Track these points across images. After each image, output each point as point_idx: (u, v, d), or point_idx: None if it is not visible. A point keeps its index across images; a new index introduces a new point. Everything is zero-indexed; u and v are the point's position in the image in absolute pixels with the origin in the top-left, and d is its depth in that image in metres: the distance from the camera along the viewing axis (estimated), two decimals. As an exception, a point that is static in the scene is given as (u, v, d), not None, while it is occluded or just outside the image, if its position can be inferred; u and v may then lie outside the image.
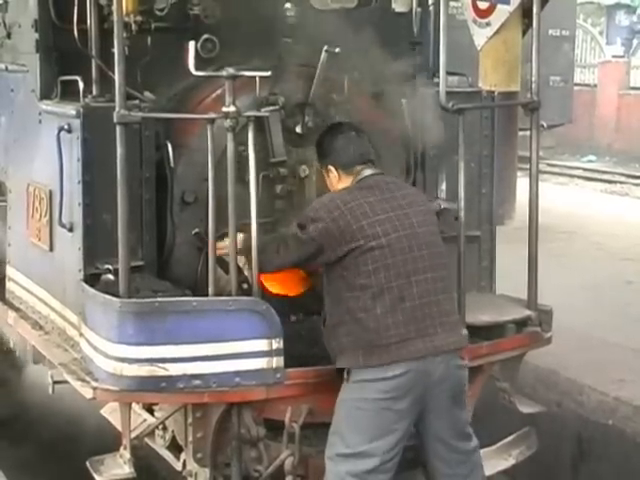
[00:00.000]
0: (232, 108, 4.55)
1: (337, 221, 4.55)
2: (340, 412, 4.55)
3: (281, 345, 4.53)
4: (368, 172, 4.76)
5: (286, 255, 4.71)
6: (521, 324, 5.35)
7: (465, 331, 4.77)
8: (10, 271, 5.82)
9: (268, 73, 4.85)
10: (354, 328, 4.49)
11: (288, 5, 5.68)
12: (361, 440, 4.47)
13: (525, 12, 10.35)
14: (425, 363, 4.47)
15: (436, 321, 4.53)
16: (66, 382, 4.81)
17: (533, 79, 5.36)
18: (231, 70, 4.63)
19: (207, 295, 4.60)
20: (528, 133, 5.54)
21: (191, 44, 4.64)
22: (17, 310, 5.70)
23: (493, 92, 5.94)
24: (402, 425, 4.50)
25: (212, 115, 4.58)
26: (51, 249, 5.18)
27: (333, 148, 4.84)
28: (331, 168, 4.83)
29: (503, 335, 5.27)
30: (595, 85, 19.60)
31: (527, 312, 5.37)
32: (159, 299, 4.51)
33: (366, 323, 4.46)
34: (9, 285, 5.83)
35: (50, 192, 5.11)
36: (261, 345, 4.50)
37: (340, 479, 4.50)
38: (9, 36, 5.69)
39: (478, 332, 5.15)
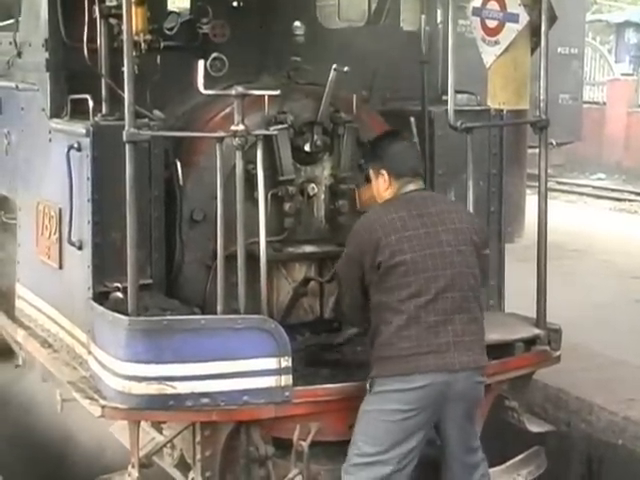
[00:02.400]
0: (241, 127, 4.56)
1: (371, 234, 4.56)
2: (360, 423, 4.56)
3: (290, 363, 4.52)
4: (412, 187, 4.72)
5: (344, 288, 4.79)
6: (530, 343, 5.33)
7: (484, 350, 4.72)
8: (19, 289, 5.84)
9: (277, 92, 4.86)
10: (379, 340, 4.55)
11: (297, 24, 5.71)
12: (377, 449, 4.49)
13: (534, 30, 10.38)
14: (443, 378, 4.48)
15: (450, 339, 4.52)
16: (75, 400, 4.81)
17: (542, 97, 5.36)
18: (240, 89, 4.65)
19: (216, 313, 4.61)
20: (537, 151, 5.54)
21: (200, 63, 4.67)
22: (26, 328, 5.72)
23: (502, 110, 5.94)
24: (418, 436, 4.52)
25: (221, 133, 4.59)
26: (60, 267, 5.20)
27: (391, 153, 4.78)
28: (383, 172, 4.76)
29: (512, 354, 5.25)
30: (604, 103, 19.60)
31: (536, 331, 5.35)
32: (168, 317, 4.52)
33: (385, 335, 4.52)
34: (18, 303, 5.85)
35: (60, 210, 5.12)
36: (270, 363, 4.49)
37: None
38: (20, 55, 5.71)
39: (487, 351, 5.12)
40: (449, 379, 4.49)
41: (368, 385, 4.56)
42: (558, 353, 5.41)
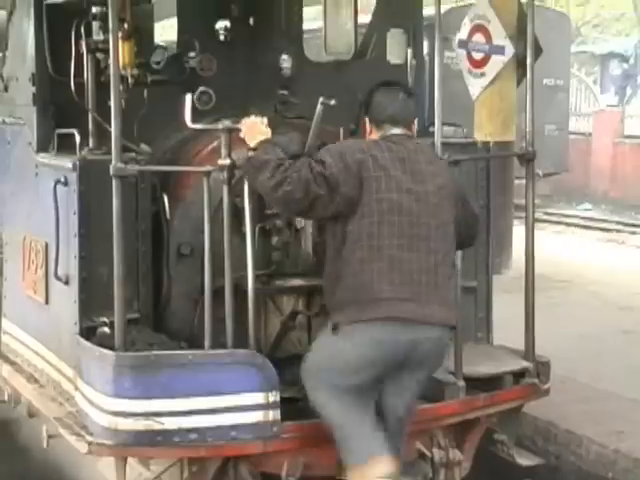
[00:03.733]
0: (228, 161, 4.56)
1: (357, 162, 4.47)
2: (319, 356, 4.53)
3: (278, 398, 4.50)
4: (395, 131, 4.72)
5: (294, 174, 4.43)
6: (519, 375, 5.32)
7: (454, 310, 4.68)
8: (5, 324, 5.81)
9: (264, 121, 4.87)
10: (350, 282, 4.44)
11: (284, 57, 5.74)
12: (339, 383, 4.45)
13: (519, 62, 10.53)
14: (415, 329, 4.41)
15: (431, 291, 4.46)
16: (61, 436, 4.77)
17: (528, 130, 5.37)
18: (227, 123, 4.65)
19: (203, 347, 4.58)
20: (523, 181, 5.55)
21: (187, 97, 4.68)
22: (12, 363, 5.68)
23: (488, 143, 5.96)
24: (375, 376, 4.47)
25: (208, 167, 4.60)
26: (47, 302, 5.17)
27: (371, 102, 4.82)
28: (365, 120, 4.82)
29: (501, 387, 5.24)
30: (590, 134, 19.70)
31: (524, 363, 5.34)
32: (155, 352, 4.50)
33: (361, 277, 4.41)
34: (4, 338, 5.82)
35: (46, 245, 5.11)
36: (258, 398, 4.47)
37: (327, 395, 4.47)
38: (6, 89, 5.72)
39: (475, 384, 5.12)
40: (417, 332, 4.41)
41: (330, 327, 4.48)
42: (547, 386, 5.40)
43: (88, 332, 4.74)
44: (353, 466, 4.47)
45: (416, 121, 4.85)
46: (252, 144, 4.59)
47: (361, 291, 4.42)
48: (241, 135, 4.64)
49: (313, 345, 4.70)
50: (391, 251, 4.43)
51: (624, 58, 28.07)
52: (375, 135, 4.77)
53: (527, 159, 5.41)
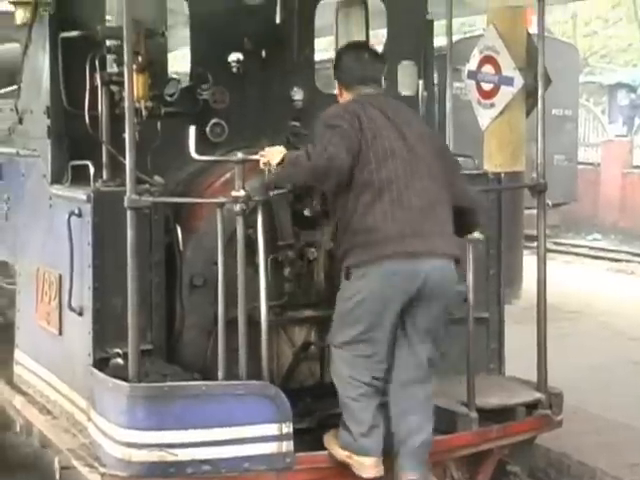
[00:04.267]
0: (242, 192, 4.59)
1: (352, 122, 4.69)
2: (340, 307, 4.74)
3: (291, 429, 4.50)
4: (369, 91, 4.93)
5: (326, 144, 4.64)
6: (531, 407, 5.31)
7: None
8: (18, 355, 5.82)
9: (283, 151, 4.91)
10: (356, 226, 4.65)
11: (296, 89, 5.79)
12: (359, 331, 4.66)
13: (528, 93, 10.56)
14: (422, 262, 4.61)
15: (432, 226, 4.68)
16: (74, 468, 4.77)
17: (539, 161, 5.39)
18: (240, 155, 4.68)
19: (216, 379, 4.59)
20: (533, 212, 5.57)
21: (192, 129, 4.71)
22: (24, 394, 5.68)
23: (499, 174, 5.98)
24: (393, 316, 4.66)
25: (222, 199, 4.62)
26: (60, 333, 5.19)
27: (339, 65, 5.05)
28: (336, 83, 5.05)
29: (513, 418, 5.23)
30: (599, 164, 19.70)
31: (537, 395, 5.34)
32: (168, 383, 4.51)
33: (365, 220, 4.62)
34: (17, 369, 5.82)
35: (60, 276, 5.13)
36: (271, 430, 4.47)
37: (348, 362, 4.69)
38: (21, 122, 5.75)
39: (488, 415, 5.11)
40: (430, 262, 4.62)
41: (345, 273, 4.68)
42: (560, 417, 5.38)
43: (101, 363, 4.75)
44: (345, 449, 4.68)
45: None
46: (277, 159, 4.76)
47: (367, 233, 4.63)
48: (263, 161, 4.78)
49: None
50: (391, 193, 4.63)
51: (632, 88, 28.12)
52: (347, 97, 4.97)
53: (539, 190, 5.43)
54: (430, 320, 4.73)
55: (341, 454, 4.70)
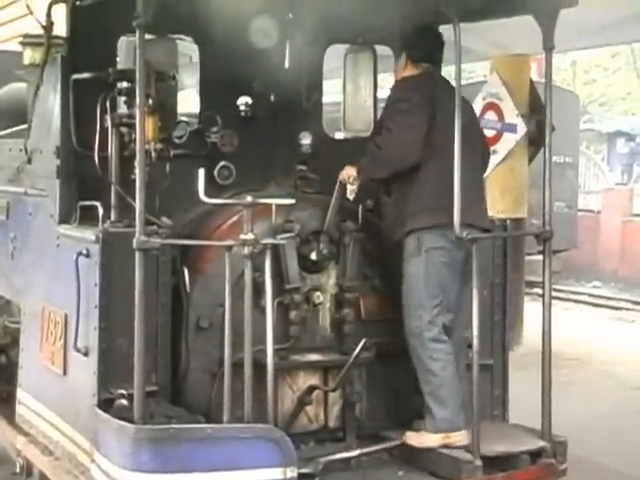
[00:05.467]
0: (250, 236, 4.60)
1: (422, 93, 5.26)
2: (415, 284, 5.23)
3: (295, 474, 4.48)
4: (430, 70, 5.44)
5: (404, 128, 5.22)
6: (535, 455, 5.29)
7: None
8: (20, 394, 5.79)
9: (292, 201, 4.94)
10: (420, 192, 5.23)
11: (304, 133, 5.81)
12: (435, 304, 5.23)
13: (531, 140, 10.60)
14: (473, 233, 5.12)
15: (478, 200, 5.40)
16: (75, 509, 4.75)
17: (546, 209, 5.41)
18: (250, 198, 4.70)
19: (220, 421, 4.58)
20: (533, 257, 5.59)
21: (201, 172, 4.73)
22: (26, 434, 5.66)
23: (505, 220, 5.99)
24: (457, 282, 5.33)
25: (230, 242, 4.63)
26: (65, 373, 5.17)
27: (411, 40, 5.50)
28: (403, 55, 5.52)
29: (517, 466, 5.20)
30: (598, 211, 19.76)
31: (541, 443, 5.31)
32: (174, 426, 4.49)
33: (425, 188, 5.22)
34: (19, 408, 5.79)
35: (66, 316, 5.12)
36: (276, 474, 4.45)
37: (429, 352, 5.19)
38: (30, 161, 5.77)
39: (492, 463, 5.09)
40: (474, 234, 5.12)
41: (415, 244, 5.22)
42: (564, 466, 5.35)
43: (106, 404, 4.73)
44: (441, 431, 5.17)
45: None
46: (354, 171, 5.34)
47: (434, 198, 5.19)
48: (343, 179, 5.34)
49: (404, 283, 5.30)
50: (447, 170, 5.03)
51: (631, 137, 28.30)
52: (410, 72, 5.45)
53: (544, 238, 5.44)
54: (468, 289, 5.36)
55: (435, 439, 5.15)
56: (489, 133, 11.04)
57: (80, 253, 4.92)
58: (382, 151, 5.28)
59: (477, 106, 10.97)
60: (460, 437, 5.16)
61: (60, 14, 5.52)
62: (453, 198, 4.99)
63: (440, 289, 5.26)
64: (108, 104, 5.10)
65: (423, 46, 5.48)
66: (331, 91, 7.52)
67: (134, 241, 4.48)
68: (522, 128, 10.56)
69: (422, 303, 5.23)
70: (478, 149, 5.51)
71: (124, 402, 4.68)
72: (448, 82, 5.48)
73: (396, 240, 5.34)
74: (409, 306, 5.27)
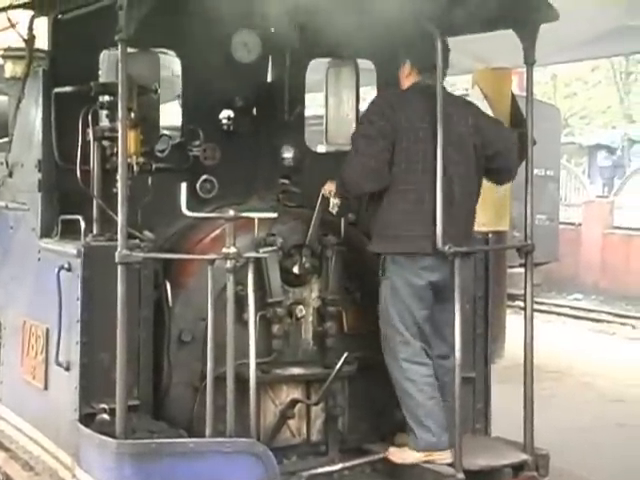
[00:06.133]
0: (233, 249, 4.60)
1: (388, 118, 5.15)
2: (385, 305, 5.19)
3: (278, 488, 4.48)
4: (429, 81, 5.25)
5: (363, 155, 5.14)
6: (518, 468, 5.29)
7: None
8: (1, 409, 5.76)
9: (274, 214, 4.95)
10: (382, 218, 5.18)
11: (286, 147, 5.81)
12: (406, 326, 5.17)
13: (513, 155, 10.59)
14: (441, 260, 5.11)
15: (457, 222, 5.21)
16: (57, 525, 4.72)
17: (527, 223, 5.42)
18: (232, 212, 4.70)
19: (202, 435, 4.56)
20: (514, 270, 5.60)
21: (183, 186, 4.72)
22: (7, 450, 5.62)
23: (487, 234, 6.00)
24: (425, 308, 5.24)
25: (212, 256, 4.63)
26: (46, 388, 5.15)
27: (416, 48, 5.34)
28: (407, 62, 5.38)
29: (500, 479, 5.21)
30: (579, 224, 19.82)
31: (523, 456, 5.32)
32: (156, 440, 4.48)
33: (388, 214, 5.16)
34: (-1, 423, 5.77)
35: (47, 330, 5.11)
36: (258, 488, 4.44)
37: (403, 372, 5.15)
38: (11, 175, 5.76)
39: (475, 476, 5.09)
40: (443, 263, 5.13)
41: (381, 270, 5.19)
42: (546, 479, 5.36)
43: (87, 419, 4.71)
44: (425, 450, 5.13)
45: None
46: (334, 186, 5.30)
47: (394, 226, 5.15)
48: (326, 193, 5.31)
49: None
50: (415, 194, 5.12)
51: (611, 150, 28.45)
52: (411, 80, 5.34)
53: (526, 252, 5.45)
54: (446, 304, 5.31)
55: (417, 457, 5.12)
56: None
57: (62, 267, 4.91)
58: (345, 174, 5.22)
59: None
60: (443, 456, 5.13)
61: (42, 27, 5.52)
62: (415, 226, 5.09)
63: (408, 313, 5.21)
64: (90, 118, 5.10)
65: (426, 55, 5.30)
66: (312, 104, 7.54)
67: (116, 255, 4.47)
68: (503, 142, 10.58)
69: (394, 324, 5.21)
70: (472, 161, 5.32)
71: (106, 417, 4.66)
72: (448, 93, 5.40)
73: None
74: (383, 325, 5.27)
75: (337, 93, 6.41)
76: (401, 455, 5.19)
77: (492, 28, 5.65)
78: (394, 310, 5.20)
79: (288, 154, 5.84)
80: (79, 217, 5.00)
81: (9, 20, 5.73)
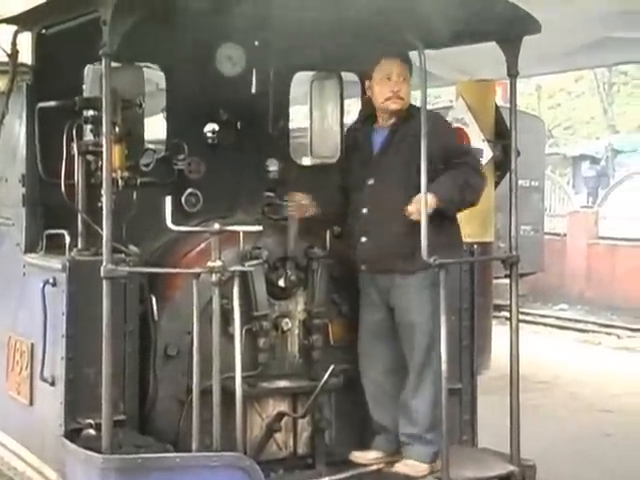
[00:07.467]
0: (218, 263, 4.60)
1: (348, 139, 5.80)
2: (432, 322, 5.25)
3: (265, 502, 4.47)
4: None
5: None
6: (505, 479, 5.29)
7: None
8: (-15, 425, 5.74)
9: (259, 228, 4.94)
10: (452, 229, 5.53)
11: (271, 160, 5.81)
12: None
13: (497, 164, 10.67)
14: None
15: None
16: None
17: (512, 234, 5.44)
18: (217, 225, 4.70)
19: (189, 450, 4.55)
20: (500, 281, 5.61)
21: (168, 199, 4.72)
22: (-9, 466, 5.60)
23: (472, 245, 6.02)
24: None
25: (198, 269, 4.62)
26: (31, 403, 5.13)
27: None
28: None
29: (487, 491, 5.22)
30: (564, 234, 19.88)
31: (510, 467, 5.33)
32: (142, 455, 4.45)
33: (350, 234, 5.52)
34: (-17, 440, 5.74)
35: (32, 345, 5.09)
36: (245, 502, 4.43)
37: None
38: (-6, 189, 5.75)
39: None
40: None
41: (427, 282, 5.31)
42: (533, 490, 5.37)
43: (73, 434, 4.70)
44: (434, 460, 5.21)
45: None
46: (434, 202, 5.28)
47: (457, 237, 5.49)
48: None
49: None
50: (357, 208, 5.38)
51: (595, 160, 28.57)
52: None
53: (511, 263, 5.47)
54: None
55: (425, 468, 5.21)
56: (455, 158, 11.14)
57: (47, 282, 4.89)
58: (484, 184, 5.65)
59: (443, 131, 11.03)
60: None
61: (25, 42, 5.52)
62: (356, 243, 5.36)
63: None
64: (74, 132, 5.08)
65: None
66: (297, 117, 7.55)
67: (101, 269, 4.46)
68: (488, 153, 10.64)
69: (436, 337, 5.24)
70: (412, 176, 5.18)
71: (92, 432, 4.65)
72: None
73: None
74: (425, 339, 5.36)
75: (321, 106, 6.42)
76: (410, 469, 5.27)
77: (475, 41, 5.67)
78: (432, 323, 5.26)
79: (273, 167, 5.83)
80: (64, 232, 4.99)
81: (-8, 35, 5.73)
